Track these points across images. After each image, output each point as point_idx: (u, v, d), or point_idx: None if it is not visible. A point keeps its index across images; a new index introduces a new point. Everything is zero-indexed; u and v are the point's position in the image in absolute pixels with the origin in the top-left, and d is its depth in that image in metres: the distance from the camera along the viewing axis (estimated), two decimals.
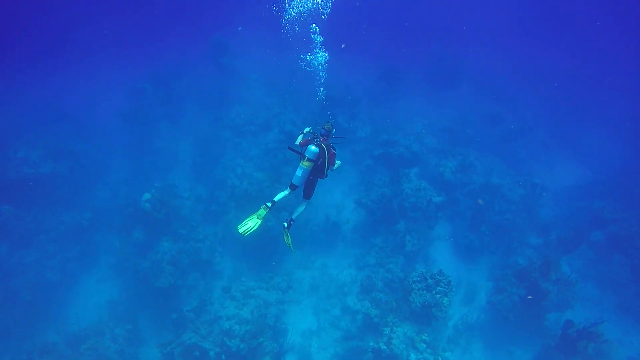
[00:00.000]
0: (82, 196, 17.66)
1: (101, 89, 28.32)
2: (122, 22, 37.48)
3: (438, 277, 11.42)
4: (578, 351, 11.25)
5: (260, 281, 13.69)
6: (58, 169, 17.42)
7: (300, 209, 6.46)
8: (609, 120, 28.55)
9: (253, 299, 12.77)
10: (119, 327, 12.55)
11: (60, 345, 11.67)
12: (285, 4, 12.65)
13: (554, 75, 33.69)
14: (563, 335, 11.71)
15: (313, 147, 5.85)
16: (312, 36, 11.19)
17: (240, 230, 5.94)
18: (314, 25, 11.36)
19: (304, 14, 12.34)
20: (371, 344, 10.84)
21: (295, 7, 12.33)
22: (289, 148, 6.15)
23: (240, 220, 5.64)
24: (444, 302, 11.01)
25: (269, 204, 6.03)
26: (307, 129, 6.39)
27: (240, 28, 32.36)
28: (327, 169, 6.10)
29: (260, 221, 6.04)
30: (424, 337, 10.86)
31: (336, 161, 6.26)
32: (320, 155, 5.91)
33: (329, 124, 6.10)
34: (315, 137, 6.10)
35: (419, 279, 11.49)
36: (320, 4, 12.11)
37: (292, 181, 6.05)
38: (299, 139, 6.28)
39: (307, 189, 6.21)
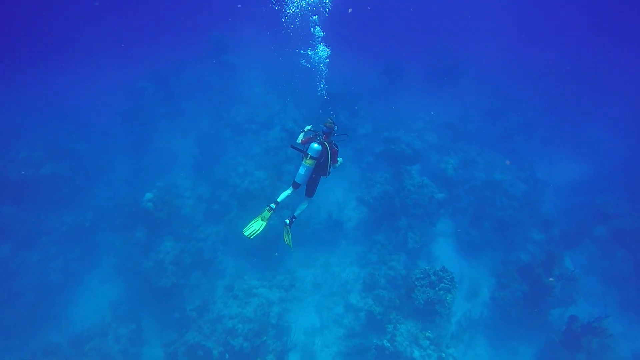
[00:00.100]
0: (83, 196, 17.65)
1: (101, 89, 28.29)
2: (122, 22, 37.46)
3: (441, 273, 11.40)
4: (582, 346, 11.25)
5: (263, 280, 13.69)
6: (59, 169, 17.42)
7: (303, 206, 6.43)
8: (611, 115, 28.44)
9: (256, 298, 12.76)
10: (122, 327, 12.57)
11: (63, 345, 11.69)
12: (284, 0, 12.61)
13: (554, 70, 33.57)
14: (567, 331, 11.69)
15: (316, 145, 5.81)
16: (313, 31, 11.15)
17: (246, 234, 5.92)
18: (315, 17, 11.29)
19: (304, 8, 12.28)
20: (375, 341, 10.83)
21: (295, 2, 12.27)
22: (292, 146, 6.12)
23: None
24: (447, 298, 10.99)
25: (272, 205, 6.00)
26: (307, 127, 6.35)
27: (239, 5, 32.17)
28: (330, 167, 6.07)
29: (265, 223, 6.01)
30: (427, 333, 10.85)
31: (338, 159, 6.22)
32: (323, 153, 5.87)
33: (331, 121, 6.05)
34: (317, 135, 6.06)
35: (421, 275, 11.47)
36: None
37: (295, 179, 6.01)
38: (300, 137, 6.24)
39: (310, 187, 6.18)
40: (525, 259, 14.58)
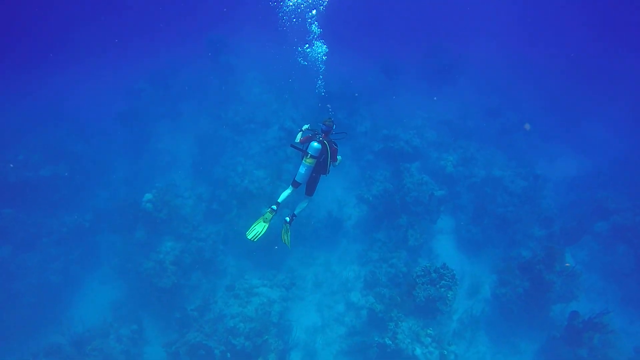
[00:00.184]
0: (82, 198, 17.64)
1: (100, 89, 28.24)
2: (120, 22, 37.36)
3: (442, 271, 11.39)
4: (584, 342, 11.24)
5: (264, 279, 13.68)
6: (58, 170, 17.38)
7: (303, 205, 6.41)
8: (610, 111, 28.42)
9: (257, 297, 12.75)
10: (124, 328, 12.55)
11: (65, 346, 11.66)
12: None
13: (553, 67, 33.56)
14: (568, 327, 11.69)
15: (315, 144, 5.78)
16: (310, 27, 11.10)
17: (250, 237, 5.90)
18: (314, 11, 11.25)
19: (301, 5, 12.24)
20: (376, 339, 10.82)
21: None
22: (292, 145, 6.11)
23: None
24: (448, 295, 10.99)
25: (274, 207, 6.00)
26: (305, 126, 6.34)
27: (225, 9, 32.24)
28: (330, 165, 6.06)
29: (267, 224, 6.01)
30: (429, 331, 10.84)
31: (337, 157, 6.21)
32: (323, 151, 5.85)
33: (330, 120, 6.04)
34: (316, 134, 6.04)
35: (422, 273, 11.46)
36: None
37: (295, 179, 5.99)
38: (299, 137, 6.22)
39: (310, 186, 6.17)
40: (526, 255, 14.58)
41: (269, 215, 6.00)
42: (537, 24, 41.10)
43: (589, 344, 11.28)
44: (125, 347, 11.94)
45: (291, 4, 12.38)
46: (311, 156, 5.80)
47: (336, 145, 6.13)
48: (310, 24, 11.22)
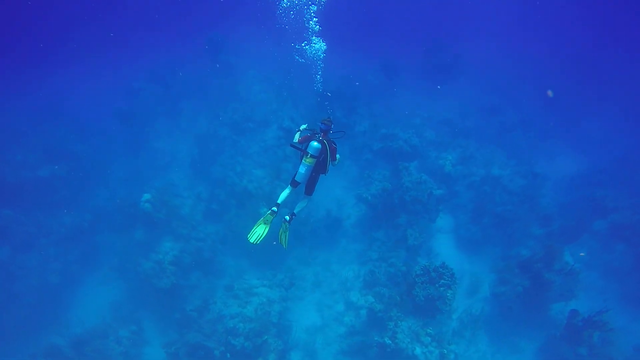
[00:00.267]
0: (81, 198, 17.60)
1: (98, 89, 28.15)
2: (119, 22, 37.26)
3: (441, 270, 11.38)
4: (584, 340, 11.26)
5: (263, 279, 13.67)
6: (57, 171, 17.35)
7: (302, 205, 6.40)
8: (608, 109, 28.41)
9: (256, 297, 12.75)
10: (123, 329, 12.54)
11: (64, 347, 11.64)
12: None
13: (552, 65, 33.53)
14: (568, 325, 11.70)
15: (315, 143, 5.78)
16: (309, 24, 11.07)
17: (252, 240, 5.91)
18: (313, 6, 11.21)
19: (299, 1, 12.20)
20: (376, 338, 10.82)
21: None
22: (291, 145, 6.10)
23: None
24: (447, 295, 10.98)
25: (274, 208, 6.00)
26: (303, 126, 6.33)
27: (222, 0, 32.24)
28: (329, 164, 6.05)
29: (268, 226, 6.02)
30: (428, 330, 10.84)
31: (336, 155, 6.20)
32: (323, 150, 5.85)
33: (329, 119, 6.03)
34: (315, 133, 6.03)
35: (422, 272, 11.46)
36: None
37: (295, 178, 5.99)
38: (297, 137, 6.21)
39: (309, 185, 6.16)
40: (526, 254, 14.58)
41: (269, 217, 5.99)
42: (536, 22, 41.08)
43: (589, 342, 11.30)
44: (124, 348, 11.94)
45: (288, 1, 12.35)
46: (311, 156, 5.79)
47: (335, 144, 6.13)
48: (309, 20, 11.19)
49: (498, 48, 37.06)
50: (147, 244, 14.49)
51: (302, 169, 5.89)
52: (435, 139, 20.81)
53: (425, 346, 10.58)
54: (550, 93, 16.27)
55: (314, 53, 11.27)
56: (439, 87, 22.21)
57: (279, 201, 6.05)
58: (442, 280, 11.17)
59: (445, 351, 10.52)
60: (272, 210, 5.97)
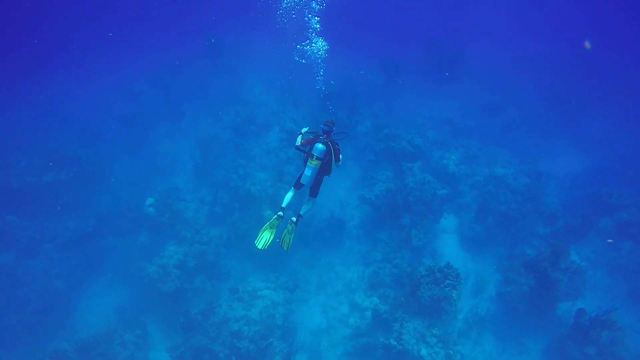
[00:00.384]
0: (85, 203, 17.65)
1: (100, 93, 28.28)
2: (118, 24, 37.43)
3: (446, 270, 11.32)
4: (591, 340, 11.14)
5: (267, 281, 13.65)
6: (60, 176, 17.44)
7: (307, 207, 6.39)
8: (612, 107, 28.25)
9: (260, 300, 12.73)
10: (128, 333, 12.55)
11: (70, 352, 11.66)
12: None
13: (554, 63, 33.39)
14: (575, 324, 11.59)
15: (320, 145, 5.79)
16: (310, 23, 11.06)
17: (260, 246, 5.93)
18: (315, 5, 11.19)
19: (300, 2, 12.21)
20: (381, 340, 10.76)
21: None
22: (296, 148, 6.10)
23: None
24: (453, 295, 10.92)
25: (280, 213, 5.99)
26: (304, 129, 6.34)
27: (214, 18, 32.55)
28: (333, 166, 6.05)
29: (274, 231, 6.03)
30: (434, 331, 10.77)
31: (340, 156, 6.20)
32: (327, 152, 5.86)
33: (331, 121, 6.05)
34: (319, 135, 6.03)
35: (426, 273, 11.39)
36: None
37: (301, 181, 5.99)
38: (299, 140, 6.21)
39: (314, 187, 6.15)
40: (531, 253, 14.48)
41: (275, 222, 6.00)
42: (538, 20, 40.95)
43: (597, 342, 11.18)
44: (129, 352, 11.94)
45: (288, 1, 12.35)
46: (317, 158, 5.80)
47: (338, 145, 6.13)
48: (310, 19, 11.19)
49: (499, 47, 36.97)
50: (151, 248, 14.52)
51: (307, 172, 5.89)
52: (438, 139, 20.74)
53: (431, 347, 10.52)
54: (587, 44, 15.85)
55: (316, 52, 11.28)
56: (447, 74, 22.02)
57: (283, 205, 6.05)
58: (447, 281, 11.10)
59: (451, 352, 10.44)
60: (279, 215, 5.97)
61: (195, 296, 13.57)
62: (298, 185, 6.08)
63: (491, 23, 40.06)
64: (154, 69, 27.49)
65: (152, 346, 12.71)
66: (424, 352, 10.34)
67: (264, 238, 5.97)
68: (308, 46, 11.49)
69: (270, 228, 6.01)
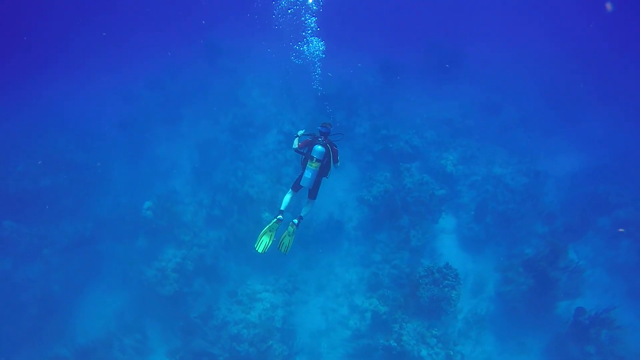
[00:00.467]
0: (83, 207, 17.59)
1: (97, 96, 28.20)
2: (114, 27, 37.39)
3: (445, 270, 11.32)
4: (591, 338, 11.15)
5: (266, 284, 13.63)
6: (58, 180, 17.38)
7: (307, 209, 6.40)
8: (610, 105, 28.32)
9: (260, 302, 12.72)
10: (127, 337, 12.52)
11: (69, 358, 11.64)
12: None
13: (552, 62, 33.49)
14: (575, 323, 11.61)
15: (319, 147, 5.80)
16: (306, 21, 11.07)
17: (260, 250, 5.95)
18: (314, 6, 11.20)
19: (296, 2, 12.21)
20: (381, 341, 10.75)
21: None
22: (296, 151, 6.11)
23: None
24: (452, 295, 10.91)
25: (280, 216, 6.00)
26: (300, 132, 6.36)
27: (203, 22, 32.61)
28: (331, 167, 6.06)
29: (273, 234, 6.06)
30: (434, 331, 10.77)
31: (337, 158, 6.22)
32: (327, 154, 5.89)
33: (328, 123, 6.09)
34: (317, 137, 6.05)
35: (425, 273, 11.39)
36: None
37: (301, 184, 5.99)
38: (296, 143, 6.22)
39: (313, 189, 6.16)
40: (530, 252, 14.48)
41: (275, 225, 6.01)
42: (536, 19, 41.04)
43: (597, 341, 11.19)
44: (129, 357, 11.93)
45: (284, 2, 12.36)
46: (317, 160, 5.81)
47: (336, 146, 6.15)
48: (307, 19, 11.20)
49: (497, 46, 37.05)
50: (150, 251, 14.49)
51: (307, 174, 5.89)
52: (436, 139, 20.74)
53: (431, 348, 10.51)
54: (609, 6, 15.54)
55: (313, 52, 11.30)
56: (447, 65, 22.09)
57: (282, 207, 6.06)
58: (446, 281, 11.10)
59: (452, 352, 10.45)
60: (278, 219, 5.98)
61: (194, 300, 13.53)
62: (296, 188, 6.09)
63: (489, 22, 40.16)
64: (152, 72, 27.47)
65: (152, 350, 12.67)
66: (424, 352, 10.34)
67: (264, 241, 5.97)
68: (305, 46, 11.51)
69: (270, 231, 6.01)
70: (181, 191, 18.08)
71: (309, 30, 11.44)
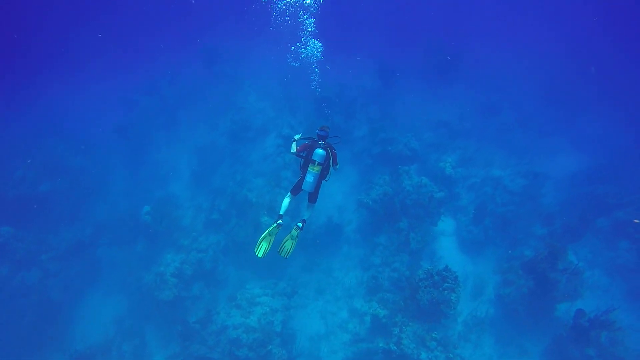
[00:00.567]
0: (82, 212, 17.57)
1: (95, 102, 28.24)
2: (115, 33, 37.50)
3: (444, 273, 11.29)
4: (591, 341, 11.11)
5: (265, 288, 13.59)
6: (56, 186, 17.36)
7: (309, 213, 6.41)
8: (607, 105, 28.37)
9: (259, 307, 12.66)
10: (126, 343, 12.48)
11: None
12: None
13: (550, 62, 33.56)
14: (575, 325, 11.56)
15: (320, 151, 5.83)
16: (304, 22, 11.10)
17: (260, 255, 5.97)
18: (313, 6, 11.23)
19: (294, 4, 12.25)
20: (381, 345, 10.71)
21: None
22: (296, 155, 6.12)
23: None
24: (452, 298, 10.88)
25: (280, 221, 6.00)
26: (297, 136, 6.37)
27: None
28: (331, 170, 6.09)
29: (273, 238, 6.07)
30: (434, 335, 10.73)
31: (337, 160, 6.23)
32: (327, 157, 5.91)
33: (327, 126, 6.12)
34: (315, 141, 6.05)
35: (425, 276, 11.36)
36: None
37: (303, 187, 6.00)
38: (294, 147, 6.23)
39: (314, 193, 6.17)
40: (529, 254, 14.46)
41: (275, 230, 5.99)
42: (536, 19, 41.15)
43: (597, 343, 11.15)
44: None
45: (282, 4, 12.41)
46: (318, 163, 5.82)
47: (335, 149, 6.16)
48: (304, 21, 11.23)
49: (497, 46, 37.15)
50: (149, 256, 14.47)
51: (310, 178, 5.89)
52: (434, 142, 20.79)
53: (431, 351, 10.48)
54: None
55: (310, 55, 11.34)
56: (448, 57, 22.20)
57: (281, 212, 6.07)
58: (446, 284, 11.07)
59: (452, 355, 10.41)
60: (278, 224, 5.98)
61: (193, 304, 13.49)
62: (296, 191, 6.10)
63: (487, 22, 40.30)
64: (150, 77, 27.51)
65: (150, 355, 12.60)
66: (424, 356, 10.30)
67: (264, 246, 5.98)
68: (303, 48, 11.56)
69: (269, 236, 6.01)
70: (180, 196, 18.08)
71: (308, 29, 11.47)
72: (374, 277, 13.64)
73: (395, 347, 10.31)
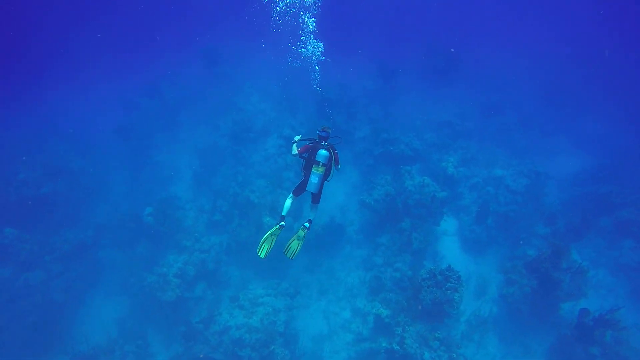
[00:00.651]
0: (84, 214, 17.60)
1: (96, 104, 28.34)
2: (114, 35, 37.63)
3: (447, 273, 11.25)
4: (596, 340, 11.06)
5: (268, 288, 13.57)
6: (58, 188, 17.38)
7: (313, 213, 6.43)
8: (609, 105, 28.31)
9: (261, 307, 12.64)
10: (129, 344, 12.45)
11: None
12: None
13: (551, 62, 33.54)
14: (579, 324, 11.51)
15: (324, 151, 5.86)
16: (304, 22, 11.10)
17: (262, 255, 6.02)
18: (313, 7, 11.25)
19: (294, 4, 12.26)
20: (384, 345, 10.68)
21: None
22: (300, 156, 6.12)
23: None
24: (454, 298, 10.84)
25: (283, 223, 6.03)
26: (297, 137, 6.37)
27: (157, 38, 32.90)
28: (333, 170, 6.09)
29: (275, 239, 6.10)
30: (437, 334, 10.69)
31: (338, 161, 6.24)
32: (331, 158, 5.93)
33: (328, 127, 6.14)
34: (317, 142, 6.05)
35: (428, 276, 11.33)
36: None
37: (307, 188, 6.01)
38: (294, 148, 6.23)
39: (318, 193, 6.17)
40: (532, 253, 14.41)
41: (277, 231, 6.02)
42: (536, 19, 41.15)
43: (602, 342, 11.10)
44: None
45: (282, 5, 12.42)
46: (322, 164, 5.84)
47: (336, 150, 6.17)
48: (305, 20, 11.24)
49: (495, 46, 37.15)
50: (151, 257, 14.48)
51: (314, 179, 5.90)
52: (436, 142, 20.76)
53: (434, 351, 10.44)
54: None
55: (311, 54, 11.34)
56: (452, 50, 22.22)
57: (283, 213, 6.08)
58: (449, 283, 11.03)
59: (455, 355, 10.37)
60: (281, 225, 6.00)
61: (195, 305, 13.49)
62: (298, 193, 6.10)
63: (488, 23, 40.31)
64: (150, 79, 27.57)
65: (153, 356, 12.59)
66: (427, 356, 10.26)
67: (266, 247, 5.99)
68: (303, 48, 11.57)
69: (272, 236, 6.03)
70: (182, 197, 18.09)
71: (310, 26, 11.48)
72: (377, 277, 13.61)
73: (398, 347, 10.28)
